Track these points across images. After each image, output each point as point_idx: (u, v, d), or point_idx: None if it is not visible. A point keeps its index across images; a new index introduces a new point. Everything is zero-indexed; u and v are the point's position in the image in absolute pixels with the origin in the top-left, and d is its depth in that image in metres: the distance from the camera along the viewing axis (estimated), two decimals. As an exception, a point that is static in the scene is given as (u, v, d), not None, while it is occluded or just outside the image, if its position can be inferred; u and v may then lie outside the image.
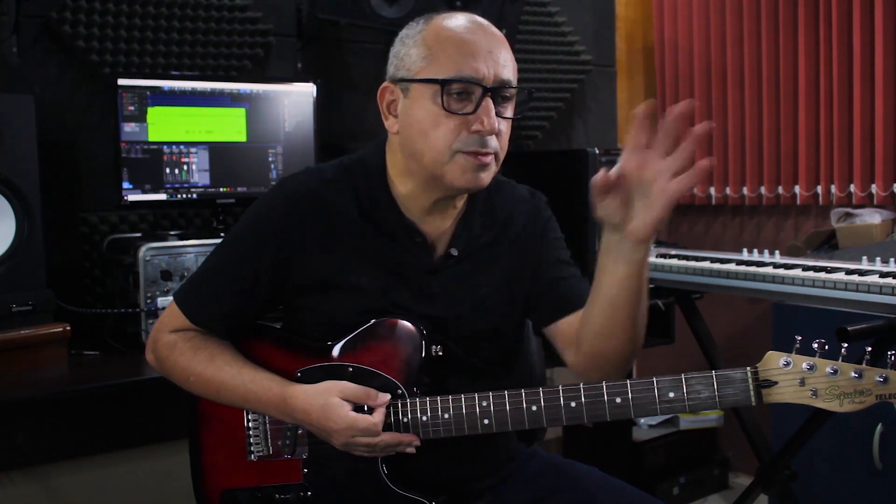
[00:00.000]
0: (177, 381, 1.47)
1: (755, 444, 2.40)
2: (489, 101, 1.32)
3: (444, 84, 1.32)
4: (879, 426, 2.35)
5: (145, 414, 2.06)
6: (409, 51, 1.38)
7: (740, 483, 3.28)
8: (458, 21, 1.37)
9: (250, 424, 1.45)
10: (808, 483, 2.50)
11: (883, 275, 1.90)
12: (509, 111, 1.38)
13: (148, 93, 2.15)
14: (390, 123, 1.42)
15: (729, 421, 3.23)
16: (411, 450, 1.35)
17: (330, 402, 1.33)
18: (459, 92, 1.33)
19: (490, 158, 1.35)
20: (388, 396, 1.35)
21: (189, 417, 1.51)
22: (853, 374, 1.19)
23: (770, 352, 1.24)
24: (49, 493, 2.02)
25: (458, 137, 1.33)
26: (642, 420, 3.27)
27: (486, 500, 1.50)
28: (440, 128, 1.33)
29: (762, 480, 2.38)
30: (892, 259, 1.99)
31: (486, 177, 1.37)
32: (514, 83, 1.37)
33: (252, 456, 1.45)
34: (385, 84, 1.42)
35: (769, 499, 2.70)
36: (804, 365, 1.21)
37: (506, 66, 1.36)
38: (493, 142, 1.34)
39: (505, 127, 1.38)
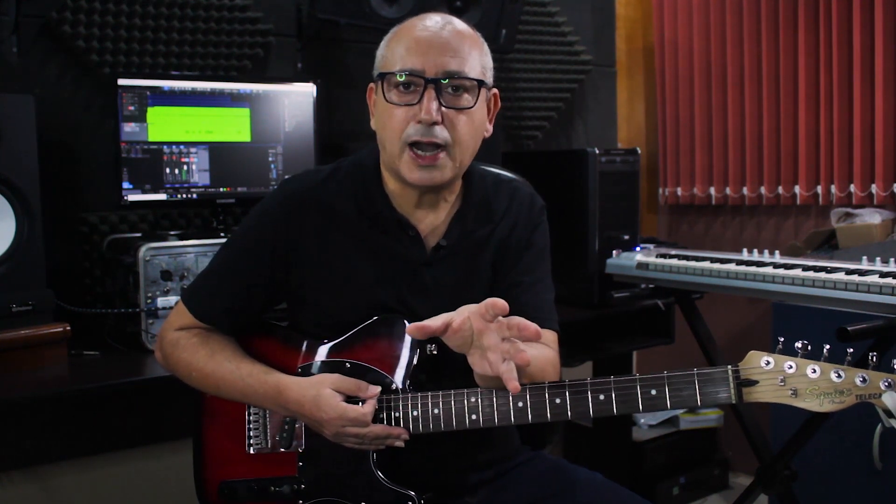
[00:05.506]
0: (180, 376, 1.52)
1: (755, 444, 2.40)
2: (430, 91, 1.36)
3: (384, 77, 1.39)
4: (879, 426, 2.35)
5: (145, 414, 2.06)
6: (379, 51, 1.45)
7: (740, 483, 3.28)
8: (423, 20, 1.41)
9: (251, 418, 1.49)
10: (808, 483, 2.50)
11: (883, 275, 1.90)
12: (464, 102, 1.39)
13: (148, 93, 2.15)
14: (372, 121, 1.47)
15: (729, 421, 3.23)
16: (400, 443, 1.38)
17: (322, 393, 1.36)
18: (406, 84, 1.38)
19: (437, 156, 1.38)
20: (378, 389, 1.38)
21: (194, 412, 1.54)
22: (833, 375, 1.20)
23: (752, 351, 1.25)
24: (49, 493, 2.02)
25: (405, 128, 1.37)
26: (642, 420, 3.27)
27: (480, 496, 1.51)
28: (393, 119, 1.39)
29: (762, 480, 2.38)
30: (892, 259, 1.99)
31: (438, 174, 1.39)
32: (469, 75, 1.38)
33: (251, 449, 1.48)
34: (371, 84, 1.48)
35: (769, 499, 2.70)
36: (785, 365, 1.23)
37: (457, 59, 1.37)
38: (440, 131, 1.37)
39: (458, 117, 1.39)
